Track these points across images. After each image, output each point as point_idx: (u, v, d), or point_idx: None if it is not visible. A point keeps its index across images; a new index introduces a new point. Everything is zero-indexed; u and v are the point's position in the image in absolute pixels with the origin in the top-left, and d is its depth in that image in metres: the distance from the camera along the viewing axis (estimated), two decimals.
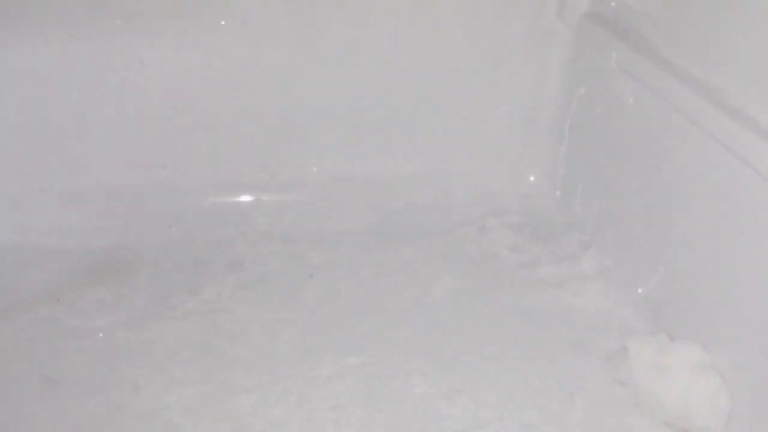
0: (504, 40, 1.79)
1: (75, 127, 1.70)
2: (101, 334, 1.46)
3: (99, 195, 1.74)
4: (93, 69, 1.66)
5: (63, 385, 1.35)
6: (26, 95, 1.67)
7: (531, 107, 1.85)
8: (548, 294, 1.62)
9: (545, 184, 1.88)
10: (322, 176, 1.84)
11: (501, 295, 1.62)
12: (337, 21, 1.74)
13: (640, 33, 1.51)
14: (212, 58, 1.71)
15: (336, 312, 1.56)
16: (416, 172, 1.86)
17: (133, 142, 1.74)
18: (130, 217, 1.74)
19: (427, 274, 1.68)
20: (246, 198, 1.82)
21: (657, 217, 1.51)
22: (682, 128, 1.40)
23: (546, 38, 1.78)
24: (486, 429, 1.30)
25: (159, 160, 1.76)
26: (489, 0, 1.76)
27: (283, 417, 1.31)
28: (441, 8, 1.76)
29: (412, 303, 1.59)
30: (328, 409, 1.33)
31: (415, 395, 1.36)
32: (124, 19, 1.63)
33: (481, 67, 1.81)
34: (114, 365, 1.39)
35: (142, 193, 1.76)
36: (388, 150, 1.85)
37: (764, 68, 1.25)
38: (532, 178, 1.90)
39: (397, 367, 1.42)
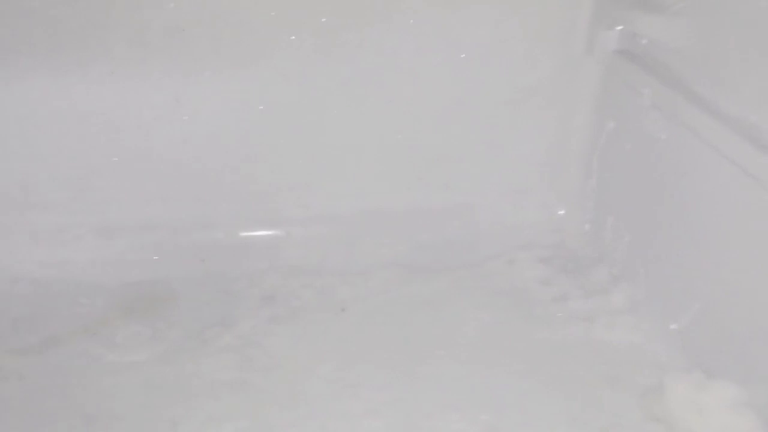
0: (533, 75, 1.81)
1: (111, 163, 1.74)
2: (137, 370, 1.47)
3: (134, 229, 1.77)
4: (131, 106, 1.70)
5: (100, 421, 1.36)
6: (65, 131, 1.70)
7: (560, 141, 1.87)
8: (580, 328, 1.62)
9: (574, 218, 1.89)
10: (352, 210, 1.85)
11: (532, 329, 1.62)
12: (367, 59, 1.76)
13: (672, 69, 1.53)
14: (246, 95, 1.74)
15: (368, 347, 1.56)
16: (446, 205, 1.88)
17: (167, 177, 1.77)
18: (164, 251, 1.76)
19: (457, 307, 1.68)
20: (277, 232, 1.84)
21: (689, 251, 1.51)
22: (715, 164, 1.41)
23: (575, 74, 1.80)
24: None
25: (192, 195, 1.78)
26: (519, 36, 1.78)
27: None
28: (471, 44, 1.78)
29: (443, 337, 1.60)
30: None
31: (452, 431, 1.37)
32: (162, 58, 1.67)
33: (510, 102, 1.83)
34: (151, 401, 1.40)
35: (175, 228, 1.78)
36: (417, 184, 1.87)
37: None
38: (561, 212, 1.92)
39: (432, 402, 1.42)
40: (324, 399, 1.42)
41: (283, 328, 1.59)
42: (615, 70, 1.70)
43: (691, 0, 1.48)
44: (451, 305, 1.69)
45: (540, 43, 1.79)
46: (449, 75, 1.79)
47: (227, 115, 1.75)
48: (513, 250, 1.83)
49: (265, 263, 1.76)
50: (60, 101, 1.67)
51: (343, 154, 1.83)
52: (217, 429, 1.34)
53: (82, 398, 1.40)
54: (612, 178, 1.78)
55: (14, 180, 1.71)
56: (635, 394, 1.45)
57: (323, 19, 1.71)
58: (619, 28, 1.67)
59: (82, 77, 1.65)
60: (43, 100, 1.66)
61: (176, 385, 1.43)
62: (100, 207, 1.75)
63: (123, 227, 1.76)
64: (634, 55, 1.64)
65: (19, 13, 1.60)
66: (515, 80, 1.81)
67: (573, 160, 1.87)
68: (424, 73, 1.79)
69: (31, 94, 1.65)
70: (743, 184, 1.34)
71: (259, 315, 1.62)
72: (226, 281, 1.71)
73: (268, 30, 1.70)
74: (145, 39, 1.65)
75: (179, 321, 1.60)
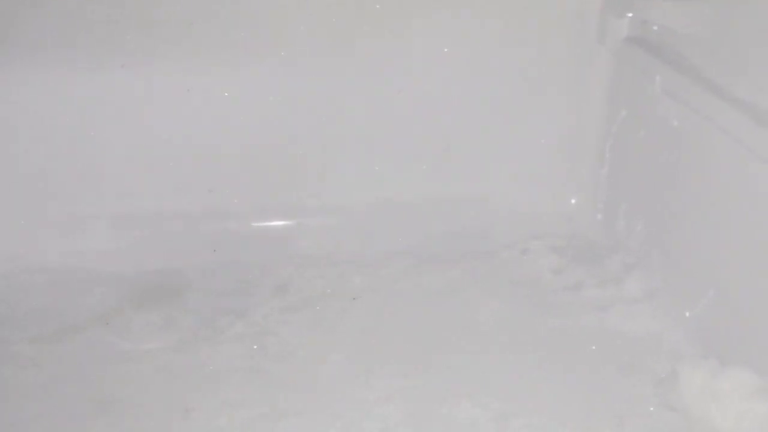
0: (545, 64, 1.81)
1: (125, 154, 1.75)
2: (151, 357, 1.48)
3: (147, 220, 1.78)
4: (143, 98, 1.71)
5: (115, 408, 1.37)
6: (78, 123, 1.72)
7: (572, 130, 1.86)
8: (594, 317, 1.62)
9: (587, 207, 1.89)
10: (365, 200, 1.86)
11: (546, 318, 1.62)
12: (379, 50, 1.76)
13: (684, 56, 1.52)
14: (256, 86, 1.75)
15: (381, 335, 1.57)
16: (458, 195, 1.87)
17: (180, 168, 1.77)
18: (178, 241, 1.77)
19: (470, 296, 1.68)
20: (290, 222, 1.85)
21: (704, 238, 1.50)
22: (728, 150, 1.40)
23: (587, 62, 1.80)
24: None
25: (205, 186, 1.79)
26: (530, 24, 1.78)
27: None
28: (482, 33, 1.78)
29: (456, 326, 1.60)
30: None
31: (464, 419, 1.36)
32: (174, 50, 1.68)
33: (522, 91, 1.83)
34: (165, 388, 1.41)
35: (189, 218, 1.79)
36: (430, 173, 1.87)
37: None
38: (573, 201, 1.91)
39: (444, 390, 1.42)
40: (336, 386, 1.42)
41: (295, 316, 1.60)
42: (627, 57, 1.70)
43: None
44: (464, 294, 1.68)
45: (551, 32, 1.78)
46: (462, 64, 1.79)
47: (238, 107, 1.75)
48: (526, 240, 1.83)
49: (278, 253, 1.77)
50: (73, 94, 1.68)
51: (356, 144, 1.83)
52: (230, 415, 1.35)
53: (97, 385, 1.41)
54: (625, 166, 1.77)
55: (29, 171, 1.73)
56: (650, 382, 1.44)
57: (335, 10, 1.72)
58: (630, 15, 1.66)
59: (94, 70, 1.66)
60: (56, 92, 1.68)
61: (190, 373, 1.44)
62: (114, 198, 1.76)
63: (137, 217, 1.77)
64: (646, 43, 1.64)
65: (31, 7, 1.62)
66: (527, 70, 1.81)
67: (586, 149, 1.86)
68: (437, 63, 1.79)
69: (44, 87, 1.67)
70: (757, 169, 1.33)
71: (272, 304, 1.63)
72: (238, 271, 1.72)
73: (278, 21, 1.71)
74: (156, 32, 1.66)
75: (192, 310, 1.61)
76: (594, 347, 1.53)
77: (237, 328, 1.56)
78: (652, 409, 1.38)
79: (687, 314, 1.51)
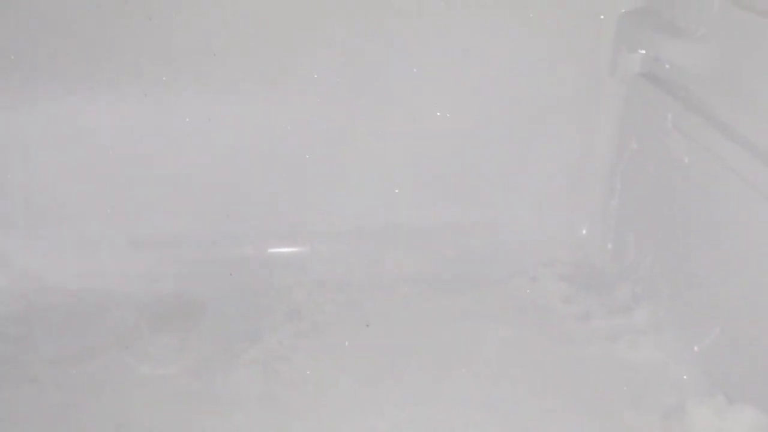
0: (557, 95, 1.82)
1: (143, 178, 1.78)
2: (168, 382, 1.50)
3: (164, 243, 1.81)
4: (163, 124, 1.74)
5: None
6: (99, 148, 1.75)
7: (583, 160, 1.88)
8: (601, 347, 1.63)
9: (597, 236, 1.91)
10: (377, 226, 1.88)
11: (554, 346, 1.64)
12: (393, 77, 1.79)
13: (695, 94, 1.54)
14: (274, 114, 1.77)
15: (392, 362, 1.59)
16: (469, 221, 1.90)
17: (198, 192, 1.81)
18: (194, 265, 1.80)
19: (480, 323, 1.70)
20: (303, 247, 1.88)
21: (712, 274, 1.51)
22: (736, 188, 1.41)
23: (598, 94, 1.81)
24: None
25: (222, 210, 1.82)
26: (543, 56, 1.80)
27: None
28: (496, 62, 1.80)
29: (466, 354, 1.61)
30: None
31: None
32: (194, 79, 1.71)
33: (534, 120, 1.84)
34: (182, 414, 1.44)
35: (205, 242, 1.82)
36: (441, 200, 1.89)
37: None
38: (584, 230, 1.93)
39: (453, 420, 1.44)
40: (347, 414, 1.45)
41: (308, 342, 1.63)
42: (638, 92, 1.71)
43: (714, 27, 1.49)
44: (473, 321, 1.70)
45: (564, 63, 1.80)
46: (474, 93, 1.81)
47: (256, 134, 1.78)
48: (536, 267, 1.85)
49: (291, 278, 1.80)
50: (94, 120, 1.72)
51: (368, 171, 1.85)
52: None
53: (115, 409, 1.44)
54: (634, 197, 1.79)
55: (49, 194, 1.76)
56: (657, 415, 1.45)
57: (349, 40, 1.74)
58: (642, 51, 1.68)
59: (115, 98, 1.69)
60: (78, 118, 1.71)
61: (206, 398, 1.47)
62: (132, 221, 1.80)
63: (154, 241, 1.80)
64: (658, 79, 1.65)
65: (55, 36, 1.65)
66: (539, 99, 1.83)
67: (596, 179, 1.88)
68: (449, 92, 1.81)
69: (66, 113, 1.70)
70: (764, 208, 1.35)
71: (285, 329, 1.65)
72: (253, 295, 1.74)
73: (295, 51, 1.74)
74: (177, 62, 1.69)
75: (208, 334, 1.64)
76: (602, 377, 1.55)
77: (251, 354, 1.58)
78: None
79: (695, 348, 1.53)
